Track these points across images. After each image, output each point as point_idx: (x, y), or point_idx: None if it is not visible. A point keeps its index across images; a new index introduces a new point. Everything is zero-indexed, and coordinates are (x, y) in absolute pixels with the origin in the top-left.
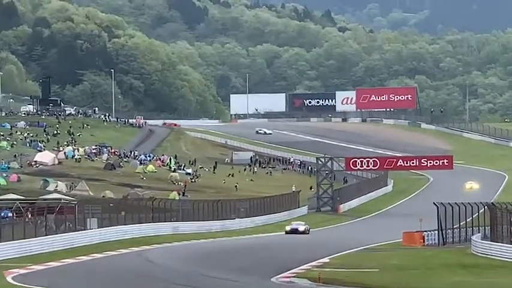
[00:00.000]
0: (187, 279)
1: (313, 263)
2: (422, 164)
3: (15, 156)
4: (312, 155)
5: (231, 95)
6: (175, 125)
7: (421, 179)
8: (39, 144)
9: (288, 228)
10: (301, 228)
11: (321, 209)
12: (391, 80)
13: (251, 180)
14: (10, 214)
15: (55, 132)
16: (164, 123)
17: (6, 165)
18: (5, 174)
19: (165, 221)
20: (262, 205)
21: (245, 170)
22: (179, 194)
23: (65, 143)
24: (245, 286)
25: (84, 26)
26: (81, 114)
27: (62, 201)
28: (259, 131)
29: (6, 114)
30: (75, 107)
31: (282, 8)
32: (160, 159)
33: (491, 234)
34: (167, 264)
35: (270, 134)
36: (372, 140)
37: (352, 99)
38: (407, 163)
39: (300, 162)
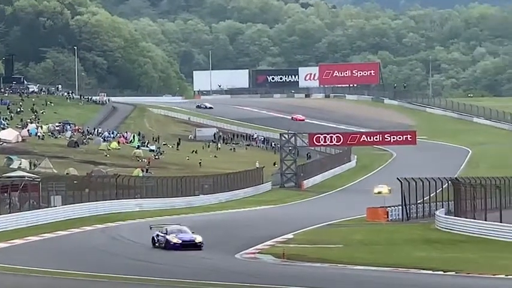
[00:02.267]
0: (151, 256)
1: (277, 239)
2: (386, 140)
3: None
4: (276, 131)
5: (194, 72)
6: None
7: (384, 154)
8: (3, 121)
9: (175, 240)
10: (198, 239)
11: (284, 185)
12: (354, 56)
13: (215, 156)
14: None
15: (18, 109)
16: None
17: None
18: None
19: (129, 198)
20: (226, 181)
21: (209, 146)
22: (143, 171)
23: (28, 120)
24: (209, 263)
25: (47, 4)
26: (44, 91)
27: (26, 178)
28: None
29: None
30: (38, 85)
31: None
32: (123, 136)
33: (455, 209)
34: (132, 241)
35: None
36: (335, 115)
37: (315, 75)
38: (370, 139)
39: (264, 138)
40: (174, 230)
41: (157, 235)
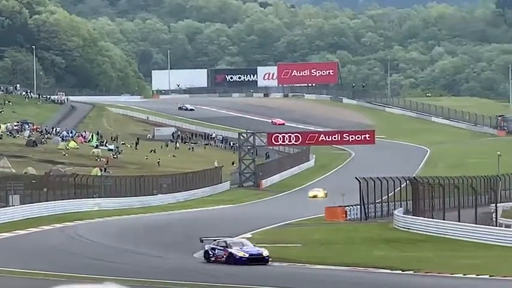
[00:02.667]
0: (110, 255)
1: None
2: (344, 139)
3: None
4: (234, 131)
5: (152, 71)
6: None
7: (343, 153)
8: None
9: (241, 253)
10: (265, 253)
11: (243, 185)
12: (312, 55)
13: (173, 156)
14: None
15: None
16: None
17: None
18: None
19: (88, 198)
20: (184, 181)
21: (167, 146)
22: (101, 170)
23: None
24: (168, 262)
25: (5, 3)
26: (2, 90)
27: None
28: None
29: None
30: None
31: None
32: (82, 135)
33: (413, 209)
34: (91, 240)
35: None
36: (294, 115)
37: (273, 74)
38: (329, 138)
39: (222, 137)
40: (236, 242)
41: (213, 248)
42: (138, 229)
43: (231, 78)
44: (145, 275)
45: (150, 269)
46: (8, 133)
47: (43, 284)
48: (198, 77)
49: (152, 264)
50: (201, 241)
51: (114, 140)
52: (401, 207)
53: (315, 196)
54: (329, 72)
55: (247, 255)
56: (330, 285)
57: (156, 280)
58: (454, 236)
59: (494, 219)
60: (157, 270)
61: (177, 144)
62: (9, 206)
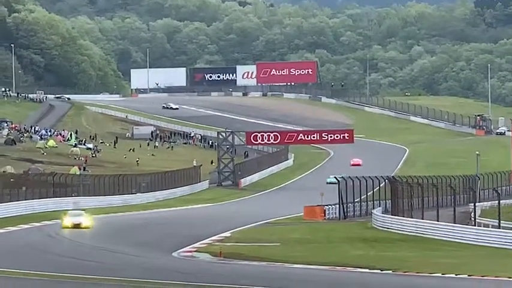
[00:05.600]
0: (88, 254)
1: (215, 238)
2: (323, 138)
3: None
4: (213, 130)
5: (131, 70)
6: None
7: (321, 153)
8: None
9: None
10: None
11: (222, 184)
12: (291, 54)
13: (152, 155)
14: None
15: None
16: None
17: None
18: None
19: (66, 196)
20: (163, 180)
21: (148, 145)
22: (80, 169)
23: None
24: (147, 261)
25: None
26: None
27: None
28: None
29: None
30: None
31: None
32: (61, 134)
33: (392, 208)
34: (69, 239)
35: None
36: (273, 114)
37: (252, 73)
38: (308, 137)
39: (201, 136)
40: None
41: None
42: (117, 228)
43: (210, 77)
44: (122, 273)
45: (128, 268)
46: None
47: (20, 283)
48: (177, 76)
49: (130, 262)
50: None
51: (93, 138)
52: (380, 206)
53: None
54: (308, 72)
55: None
56: (308, 284)
57: (133, 279)
58: (432, 235)
59: (473, 218)
60: (136, 268)
61: (156, 143)
62: None
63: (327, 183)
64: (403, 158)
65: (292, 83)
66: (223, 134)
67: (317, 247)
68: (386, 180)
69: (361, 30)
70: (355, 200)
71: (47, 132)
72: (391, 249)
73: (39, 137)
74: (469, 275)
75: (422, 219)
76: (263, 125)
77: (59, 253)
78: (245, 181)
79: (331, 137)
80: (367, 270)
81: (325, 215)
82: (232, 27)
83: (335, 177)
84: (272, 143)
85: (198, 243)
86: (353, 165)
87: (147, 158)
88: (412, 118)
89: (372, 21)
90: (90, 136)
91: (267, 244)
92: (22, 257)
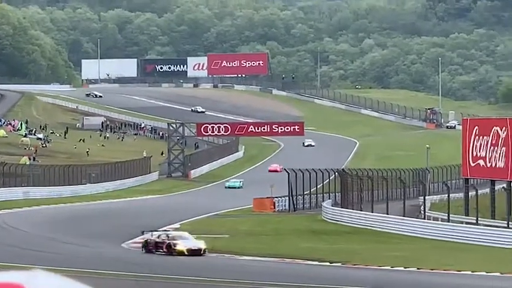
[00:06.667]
0: (37, 244)
1: (164, 229)
2: (274, 130)
3: None
4: (164, 121)
5: (82, 60)
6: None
7: (272, 145)
8: None
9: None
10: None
11: (172, 175)
12: (242, 46)
13: (102, 145)
14: None
15: None
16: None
17: None
18: None
19: (16, 186)
20: (113, 170)
21: (100, 135)
22: (30, 159)
23: None
24: (96, 251)
25: None
26: None
27: None
28: (90, 94)
29: None
30: None
31: None
32: (11, 124)
33: (342, 201)
34: (18, 229)
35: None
36: (224, 106)
37: (203, 65)
38: (258, 129)
39: (152, 127)
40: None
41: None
42: (67, 218)
43: (161, 68)
44: (71, 264)
45: (77, 258)
46: None
47: None
48: (128, 67)
49: (79, 253)
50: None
51: (43, 129)
52: (329, 199)
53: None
54: (259, 63)
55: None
56: (256, 276)
57: (82, 269)
58: (382, 228)
59: (422, 211)
60: (84, 259)
61: (107, 134)
62: None
63: (226, 187)
64: (354, 151)
65: (243, 75)
66: (174, 125)
67: (266, 239)
68: (336, 173)
69: (312, 23)
70: (305, 193)
71: None
72: (340, 242)
73: None
74: (418, 268)
75: (372, 212)
76: (214, 117)
77: (9, 243)
78: (195, 172)
79: (281, 129)
80: (316, 262)
81: (274, 207)
82: (184, 18)
83: (239, 181)
84: (222, 134)
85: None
86: (270, 171)
87: (97, 149)
88: (363, 111)
89: (323, 13)
90: (41, 126)
91: (217, 236)
92: None
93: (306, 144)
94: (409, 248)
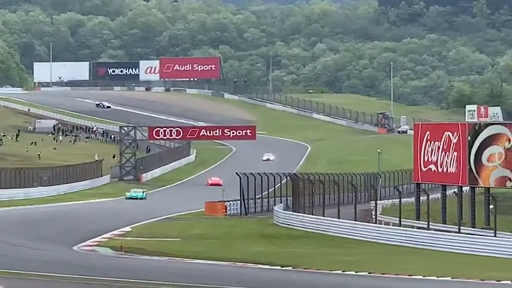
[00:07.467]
0: None
1: (115, 232)
2: (226, 134)
3: None
4: (115, 124)
5: (34, 63)
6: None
7: (223, 149)
8: None
9: None
10: None
11: (123, 178)
12: (195, 50)
13: (54, 148)
14: None
15: None
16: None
17: None
18: None
19: None
20: (65, 174)
21: (54, 139)
22: None
23: None
24: (47, 254)
25: None
26: None
27: None
28: (100, 105)
29: None
30: None
31: None
32: None
33: (293, 205)
34: None
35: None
36: (176, 109)
37: (155, 68)
38: (210, 133)
39: (103, 131)
40: None
41: None
42: (19, 221)
43: (113, 71)
44: (22, 267)
45: (27, 261)
46: None
47: None
48: (80, 70)
49: (31, 256)
50: None
51: None
52: (281, 203)
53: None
54: (211, 67)
55: None
56: (206, 280)
57: (32, 272)
58: (333, 232)
59: (374, 216)
60: (36, 262)
61: (60, 137)
62: None
63: (126, 198)
64: (305, 155)
65: (195, 79)
66: (126, 129)
67: (217, 243)
68: (287, 177)
69: (264, 27)
70: (257, 197)
71: None
72: (291, 246)
73: None
74: (369, 273)
75: (324, 216)
76: (166, 120)
77: None
78: (147, 176)
79: (233, 133)
80: (267, 266)
81: (226, 211)
82: (136, 22)
83: (143, 191)
84: (174, 138)
85: (99, 237)
86: (211, 184)
87: (49, 152)
88: (315, 115)
89: (275, 18)
90: None
91: (168, 239)
92: None
93: (264, 158)
94: (360, 252)
